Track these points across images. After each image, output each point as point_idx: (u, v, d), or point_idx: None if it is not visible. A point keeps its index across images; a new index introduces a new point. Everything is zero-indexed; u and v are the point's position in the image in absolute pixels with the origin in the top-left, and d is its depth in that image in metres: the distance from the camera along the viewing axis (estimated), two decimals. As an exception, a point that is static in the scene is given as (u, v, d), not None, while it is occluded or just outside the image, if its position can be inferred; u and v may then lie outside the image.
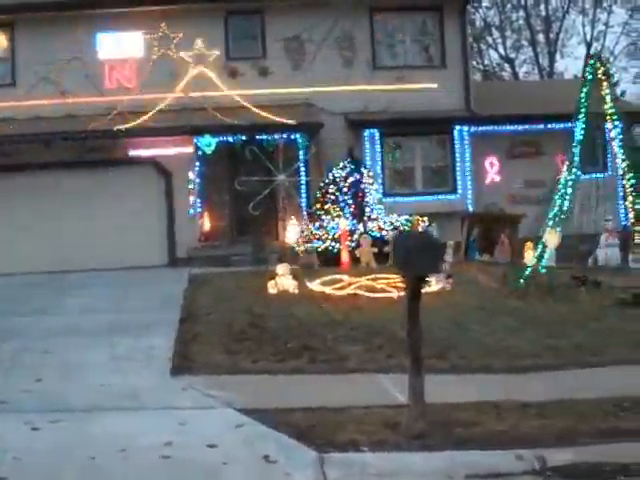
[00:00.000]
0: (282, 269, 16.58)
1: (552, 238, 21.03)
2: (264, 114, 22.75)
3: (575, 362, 10.45)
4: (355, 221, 21.84)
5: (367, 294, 15.22)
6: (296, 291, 16.09)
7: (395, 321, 12.94)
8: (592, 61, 17.69)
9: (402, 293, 14.99)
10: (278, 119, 22.56)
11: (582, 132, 17.06)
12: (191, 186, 23.77)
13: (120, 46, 24.46)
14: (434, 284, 15.65)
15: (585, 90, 17.25)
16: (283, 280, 16.32)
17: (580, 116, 17.23)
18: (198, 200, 23.80)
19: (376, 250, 20.34)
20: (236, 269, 20.74)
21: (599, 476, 6.79)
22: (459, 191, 24.72)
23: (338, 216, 21.69)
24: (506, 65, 50.21)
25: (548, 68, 48.64)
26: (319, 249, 20.87)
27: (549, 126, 24.77)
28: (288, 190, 23.38)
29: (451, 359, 10.63)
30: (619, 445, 7.21)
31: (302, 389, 9.37)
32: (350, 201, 22.50)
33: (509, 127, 25.09)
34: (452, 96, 24.89)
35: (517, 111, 25.34)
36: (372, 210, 22.51)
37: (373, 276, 16.50)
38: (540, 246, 17.49)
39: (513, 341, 11.64)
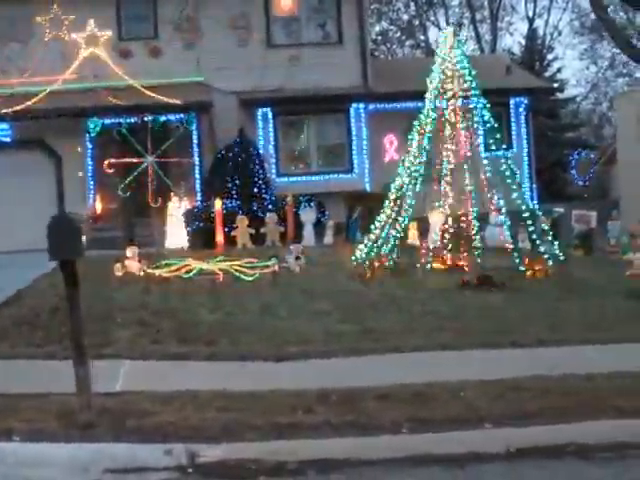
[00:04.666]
0: (130, 252, 16.29)
1: (436, 217, 20.75)
2: (153, 95, 22.38)
3: (349, 349, 10.05)
4: (240, 202, 21.50)
5: (197, 277, 14.88)
6: (141, 274, 15.76)
7: (204, 305, 12.76)
8: (445, 35, 17.23)
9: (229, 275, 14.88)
10: (165, 99, 22.19)
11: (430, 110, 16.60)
12: (81, 169, 23.40)
13: (11, 28, 24.03)
14: (271, 265, 15.36)
15: (438, 65, 16.83)
16: (129, 263, 16.03)
17: (433, 92, 16.81)
18: (90, 183, 23.44)
19: (253, 231, 20.04)
20: (120, 252, 20.42)
21: (242, 475, 6.47)
22: (356, 170, 24.37)
23: (221, 197, 21.32)
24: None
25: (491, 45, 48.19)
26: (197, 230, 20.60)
27: (451, 102, 24.32)
28: (179, 171, 23.05)
29: (220, 345, 10.30)
30: (290, 442, 6.87)
31: (26, 375, 9.07)
32: (237, 181, 22.16)
33: (409, 104, 24.60)
34: (349, 73, 24.58)
35: (420, 87, 24.82)
36: (260, 190, 22.18)
37: (221, 258, 16.22)
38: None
39: (306, 327, 11.27)
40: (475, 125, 17.55)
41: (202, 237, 20.56)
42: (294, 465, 6.61)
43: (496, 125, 17.49)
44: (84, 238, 7.67)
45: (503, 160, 17.66)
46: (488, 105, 17.04)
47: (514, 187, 17.61)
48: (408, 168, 17.03)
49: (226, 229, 20.50)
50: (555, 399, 7.84)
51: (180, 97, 22.54)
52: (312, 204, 21.19)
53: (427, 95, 16.79)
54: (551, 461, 6.79)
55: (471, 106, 17.30)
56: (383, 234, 16.82)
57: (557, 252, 18.09)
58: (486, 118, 16.94)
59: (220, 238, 20.10)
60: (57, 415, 7.34)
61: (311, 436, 6.98)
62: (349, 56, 24.75)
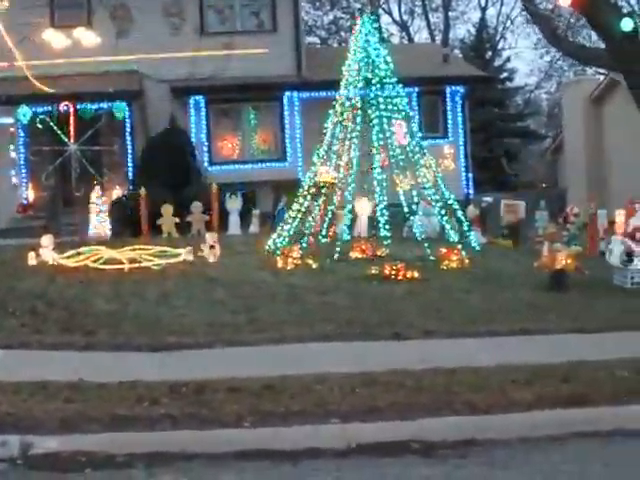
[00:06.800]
0: (45, 240, 16.22)
1: (363, 206, 20.87)
2: (84, 83, 22.30)
3: (229, 340, 10.10)
4: (169, 190, 21.45)
5: (102, 267, 14.85)
6: (56, 263, 15.71)
7: (103, 295, 12.76)
8: (364, 22, 17.20)
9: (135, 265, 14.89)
10: (96, 87, 22.11)
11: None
12: (12, 157, 23.28)
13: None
14: (184, 254, 15.37)
15: (356, 53, 16.84)
16: (44, 252, 15.97)
17: (350, 80, 16.83)
18: (22, 171, 23.34)
19: (178, 220, 20.06)
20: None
21: (69, 467, 6.53)
22: (289, 159, 24.39)
23: (151, 185, 21.24)
24: (403, 31, 49.67)
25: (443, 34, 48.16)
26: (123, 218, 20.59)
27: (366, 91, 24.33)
28: (111, 159, 22.99)
29: (100, 335, 10.32)
30: (125, 434, 6.93)
31: None
32: (167, 170, 22.11)
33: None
34: (283, 61, 24.56)
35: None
36: (190, 179, 22.16)
37: (131, 247, 16.20)
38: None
39: (195, 317, 11.31)
40: (396, 114, 17.51)
41: (128, 226, 20.50)
42: (123, 458, 6.67)
43: (419, 114, 17.51)
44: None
45: (418, 149, 17.67)
46: (405, 94, 17.12)
47: (438, 176, 17.68)
48: (328, 157, 17.05)
49: (154, 218, 20.47)
50: (409, 394, 7.89)
51: (112, 85, 22.45)
52: (238, 193, 21.18)
53: (343, 84, 16.73)
54: (389, 458, 6.82)
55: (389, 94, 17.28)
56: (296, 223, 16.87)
57: (476, 242, 18.21)
58: (401, 107, 16.97)
59: (145, 227, 20.06)
60: None
61: (150, 428, 7.04)
62: (283, 44, 24.71)
